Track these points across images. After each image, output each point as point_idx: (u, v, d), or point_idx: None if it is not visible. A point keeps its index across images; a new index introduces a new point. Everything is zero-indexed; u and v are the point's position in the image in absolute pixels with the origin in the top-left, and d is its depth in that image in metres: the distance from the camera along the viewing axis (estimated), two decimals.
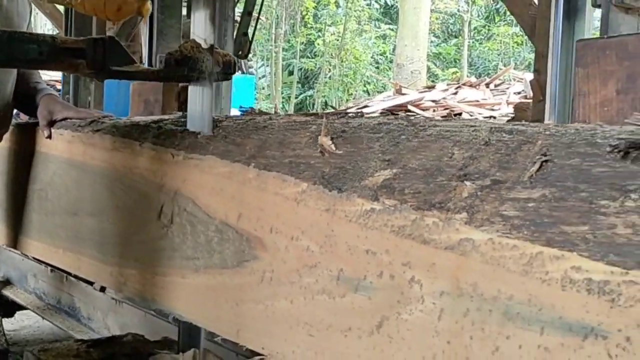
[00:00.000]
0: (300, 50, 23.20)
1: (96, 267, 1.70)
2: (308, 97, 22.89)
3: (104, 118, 1.90)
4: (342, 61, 22.86)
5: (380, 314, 1.04)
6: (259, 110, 1.53)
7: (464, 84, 11.78)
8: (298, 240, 1.19)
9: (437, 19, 23.76)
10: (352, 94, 22.25)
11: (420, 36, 17.46)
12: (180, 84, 2.69)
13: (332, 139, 1.22)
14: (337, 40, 23.07)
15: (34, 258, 2.72)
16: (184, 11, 3.15)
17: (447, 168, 1.03)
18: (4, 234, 2.26)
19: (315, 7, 22.98)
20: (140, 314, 2.36)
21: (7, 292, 3.17)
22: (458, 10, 24.04)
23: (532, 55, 3.68)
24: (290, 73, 23.27)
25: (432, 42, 22.72)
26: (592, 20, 1.77)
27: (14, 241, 2.21)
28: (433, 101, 10.72)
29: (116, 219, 1.63)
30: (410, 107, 10.19)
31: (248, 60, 15.70)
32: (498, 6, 22.58)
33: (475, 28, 24.33)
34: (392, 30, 22.66)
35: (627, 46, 1.30)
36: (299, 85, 23.30)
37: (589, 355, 0.78)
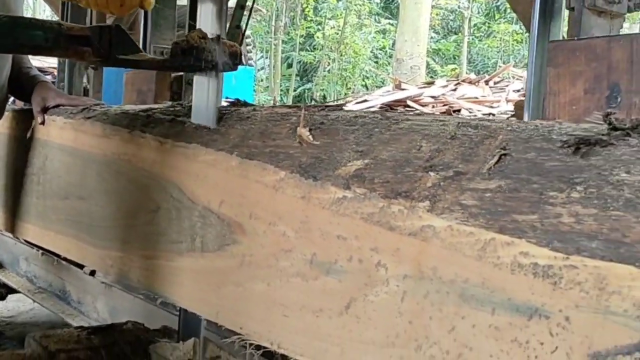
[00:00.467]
0: (299, 43, 23.23)
1: (85, 250, 1.77)
2: (306, 90, 22.94)
3: (95, 106, 1.94)
4: (341, 55, 22.89)
5: (349, 296, 1.10)
6: (243, 102, 1.58)
7: (463, 81, 11.80)
8: (275, 226, 1.25)
9: (437, 14, 23.78)
10: (350, 88, 22.30)
11: (420, 32, 17.49)
12: (173, 74, 2.75)
13: (310, 130, 1.28)
14: (337, 33, 23.10)
15: (25, 241, 2.78)
16: (179, 1, 3.21)
17: (415, 159, 1.09)
18: (3, 219, 2.31)
19: (316, 0, 23.00)
20: (129, 298, 2.42)
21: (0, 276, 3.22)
22: (458, 7, 24.07)
23: None
24: (289, 66, 23.30)
25: (431, 38, 22.75)
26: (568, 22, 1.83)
27: (12, 226, 2.26)
28: (432, 97, 10.74)
29: (105, 203, 1.69)
30: (409, 103, 10.22)
31: (248, 52, 15.72)
32: (498, 3, 22.61)
33: (475, 25, 24.37)
34: (392, 25, 22.67)
35: (595, 48, 1.36)
36: (298, 78, 23.33)
37: (534, 333, 0.85)
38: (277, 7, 22.84)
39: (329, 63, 23.13)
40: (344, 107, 1.38)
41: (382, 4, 24.85)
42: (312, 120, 1.34)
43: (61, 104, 2.07)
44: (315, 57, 23.11)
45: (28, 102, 2.20)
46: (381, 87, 16.75)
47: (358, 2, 23.04)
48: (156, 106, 1.71)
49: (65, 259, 2.61)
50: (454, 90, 11.04)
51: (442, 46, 24.28)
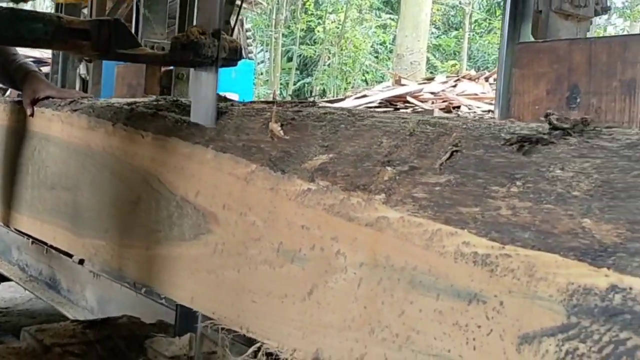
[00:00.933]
0: (300, 37, 23.22)
1: (70, 239, 1.83)
2: (306, 84, 22.95)
3: (83, 99, 1.99)
4: (341, 49, 22.89)
5: (311, 283, 1.16)
6: (224, 97, 1.64)
7: (463, 77, 11.81)
8: (246, 216, 1.32)
9: (438, 10, 23.78)
10: (350, 82, 22.31)
11: (421, 27, 17.50)
12: (163, 69, 2.81)
13: (281, 125, 1.35)
14: (338, 28, 23.09)
15: (17, 231, 2.84)
16: None
17: (375, 155, 1.16)
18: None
19: None
20: (117, 287, 2.48)
21: None
22: (459, 2, 24.05)
23: None
24: (289, 59, 23.30)
25: (432, 33, 22.75)
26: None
27: (4, 216, 2.30)
28: (432, 93, 10.75)
29: (88, 193, 1.76)
30: (409, 99, 10.25)
31: (248, 46, 15.73)
32: None
33: (476, 21, 24.36)
34: (393, 20, 22.67)
35: (557, 51, 1.42)
36: (298, 72, 23.33)
37: (472, 317, 0.91)
38: (278, 1, 22.83)
39: (329, 57, 23.12)
40: (316, 104, 1.44)
41: None
42: (285, 116, 1.40)
43: (50, 96, 2.11)
44: (315, 51, 23.11)
45: (13, 88, 2.28)
46: (381, 82, 16.78)
47: None
48: (140, 100, 1.77)
49: (54, 248, 2.67)
50: (454, 86, 11.07)
51: (442, 42, 24.28)
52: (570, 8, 1.64)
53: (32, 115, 2.10)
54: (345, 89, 21.09)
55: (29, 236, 2.78)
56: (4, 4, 1.83)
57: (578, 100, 1.38)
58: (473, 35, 24.17)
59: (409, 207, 1.02)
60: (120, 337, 2.02)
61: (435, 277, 0.97)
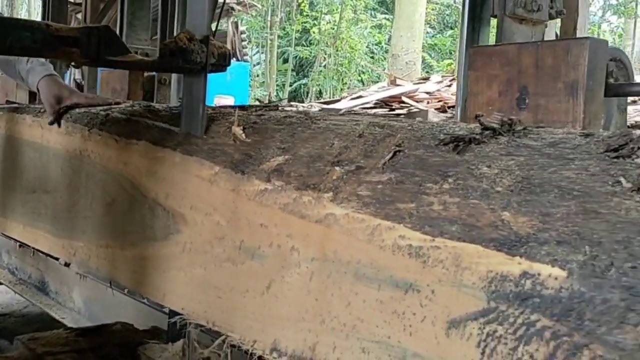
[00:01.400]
0: (295, 38, 23.24)
1: (50, 240, 1.90)
2: (302, 86, 22.98)
3: (115, 105, 1.88)
4: (337, 50, 22.91)
5: (269, 278, 1.24)
6: None
7: None
8: (211, 216, 1.39)
9: (433, 9, 23.81)
10: (346, 83, 22.34)
11: (416, 27, 17.53)
12: (146, 74, 2.87)
13: (244, 129, 1.42)
14: (333, 29, 23.12)
15: (4, 235, 2.90)
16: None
17: (326, 155, 1.23)
18: None
19: None
20: (102, 288, 2.55)
21: None
22: (454, 2, 24.09)
23: None
24: (285, 61, 23.32)
25: (427, 33, 22.78)
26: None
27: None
28: (427, 93, 10.78)
29: (67, 196, 1.83)
30: (404, 99, 10.28)
31: (243, 48, 15.76)
32: None
33: None
34: (388, 20, 22.70)
35: (508, 54, 1.49)
36: (294, 74, 23.36)
37: (408, 305, 0.98)
38: (273, 2, 22.86)
39: (324, 58, 23.15)
40: (279, 107, 1.51)
41: None
42: (249, 119, 1.47)
43: (79, 104, 1.92)
44: (311, 52, 23.14)
45: (32, 90, 2.06)
46: (377, 82, 16.82)
47: None
48: (116, 106, 1.84)
49: (40, 251, 2.73)
50: (449, 86, 11.10)
51: (438, 41, 24.31)
52: (524, 12, 1.71)
53: (59, 125, 1.90)
54: (341, 89, 21.13)
55: (16, 240, 2.84)
56: None
57: (527, 101, 1.45)
58: None
59: (353, 204, 1.09)
60: (114, 345, 2.02)
61: (377, 269, 1.04)
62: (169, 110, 1.70)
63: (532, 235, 0.86)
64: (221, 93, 10.50)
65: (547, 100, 1.41)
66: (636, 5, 23.43)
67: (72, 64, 3.70)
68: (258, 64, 23.59)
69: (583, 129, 1.35)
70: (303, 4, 23.36)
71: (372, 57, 23.79)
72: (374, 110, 9.63)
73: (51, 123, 1.91)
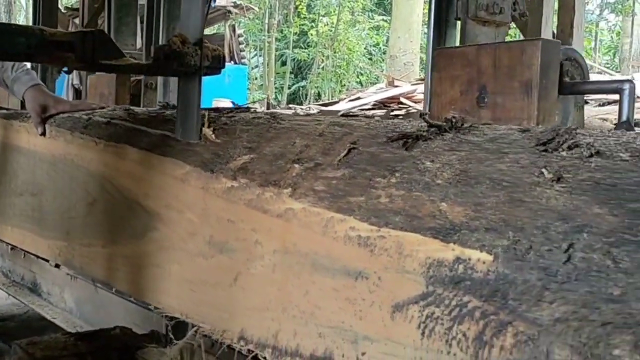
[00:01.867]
0: (293, 40, 23.30)
1: (36, 241, 1.97)
2: (301, 88, 23.05)
3: (100, 109, 1.93)
4: (335, 52, 22.98)
5: (236, 270, 1.30)
6: (173, 105, 1.78)
7: None
8: (184, 214, 1.46)
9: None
10: (345, 85, 22.41)
11: (413, 28, 17.58)
12: (133, 78, 2.95)
13: (214, 130, 1.49)
14: (331, 31, 23.18)
15: None
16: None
17: (288, 154, 1.30)
18: None
19: None
20: (92, 288, 2.61)
21: None
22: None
23: None
24: (283, 63, 23.38)
25: (425, 34, 22.81)
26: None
27: None
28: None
29: (51, 198, 1.90)
30: (402, 100, 10.33)
31: (241, 51, 15.82)
32: None
33: None
34: (386, 21, 22.76)
35: (468, 55, 1.56)
36: (292, 76, 23.42)
37: (359, 292, 1.05)
38: (270, 5, 22.92)
39: (323, 60, 23.21)
40: (250, 110, 1.58)
41: (375, 1, 24.95)
42: (219, 121, 1.54)
43: (64, 111, 1.97)
44: (309, 54, 23.20)
45: (19, 98, 2.10)
46: (376, 83, 16.87)
47: None
48: (98, 110, 1.91)
49: (27, 251, 2.79)
50: None
51: None
52: (486, 15, 1.77)
53: (44, 134, 1.95)
54: (339, 91, 21.19)
55: (7, 242, 2.90)
56: None
57: (486, 99, 1.52)
58: None
59: (310, 199, 1.16)
60: (112, 349, 1.99)
61: (331, 259, 1.10)
62: (147, 114, 1.77)
63: (465, 224, 0.93)
64: (219, 96, 10.54)
65: (504, 98, 1.48)
66: (634, 3, 23.46)
67: (64, 69, 3.78)
68: (256, 66, 23.65)
69: (537, 125, 1.42)
70: (300, 6, 23.43)
71: (370, 59, 23.86)
72: (372, 112, 9.69)
73: (42, 134, 1.95)
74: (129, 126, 1.73)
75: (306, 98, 21.94)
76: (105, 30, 3.07)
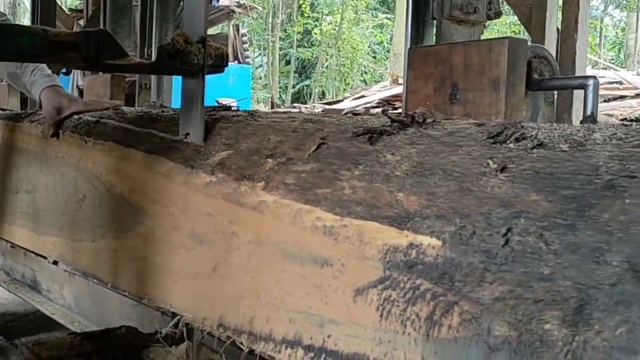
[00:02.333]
0: (297, 39, 23.34)
1: (31, 237, 2.04)
2: (305, 87, 23.09)
3: (115, 108, 1.93)
4: (339, 50, 23.00)
5: (215, 261, 1.37)
6: (160, 104, 1.84)
7: None
8: (168, 208, 1.52)
9: None
10: (349, 83, 22.44)
11: None
12: (127, 79, 3.01)
13: None
14: (334, 29, 23.21)
15: None
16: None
17: (263, 149, 1.36)
18: None
19: None
20: (90, 284, 2.67)
21: None
22: None
23: None
24: (287, 63, 23.42)
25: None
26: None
27: None
28: None
29: (44, 195, 1.96)
30: None
31: (245, 50, 15.88)
32: None
33: None
34: (390, 19, 22.78)
35: (440, 54, 1.61)
36: (296, 75, 23.46)
37: (324, 278, 1.11)
38: (274, 4, 22.96)
39: (327, 59, 23.24)
40: (230, 108, 1.64)
41: None
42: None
43: (78, 112, 1.95)
44: (313, 53, 23.23)
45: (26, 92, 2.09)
46: (380, 82, 16.91)
47: None
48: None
49: (31, 250, 2.86)
50: None
51: None
52: (461, 14, 1.83)
53: (56, 137, 1.93)
54: (344, 90, 21.22)
55: (7, 240, 2.96)
56: None
57: (458, 96, 1.57)
58: None
59: (281, 191, 1.23)
60: (118, 348, 1.98)
61: (299, 247, 1.17)
62: (134, 113, 1.83)
63: (418, 212, 0.99)
64: (223, 96, 10.60)
65: (474, 95, 1.54)
66: None
67: (62, 71, 3.85)
68: (260, 66, 23.69)
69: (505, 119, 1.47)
70: (304, 5, 23.46)
71: (374, 57, 23.89)
72: (376, 110, 9.75)
73: (52, 135, 1.94)
74: (116, 125, 1.80)
75: (310, 97, 21.99)
76: None
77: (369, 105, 10.59)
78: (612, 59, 23.04)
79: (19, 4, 17.85)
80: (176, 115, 1.71)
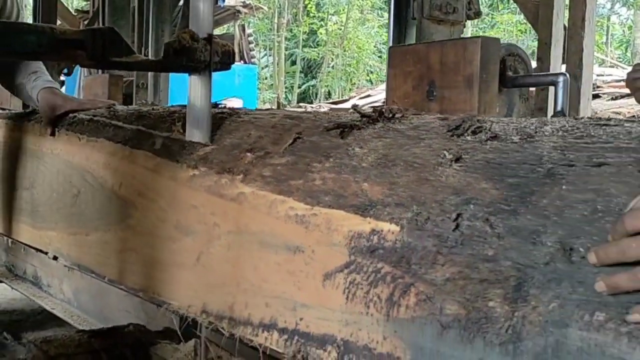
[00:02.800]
0: (303, 39, 23.40)
1: (29, 232, 2.11)
2: (311, 87, 23.15)
3: (108, 107, 1.99)
4: (345, 50, 23.06)
5: (198, 251, 1.43)
6: (151, 103, 1.91)
7: None
8: (155, 201, 1.58)
9: None
10: (355, 83, 22.50)
11: None
12: (125, 79, 3.09)
13: (183, 124, 1.61)
14: (340, 29, 23.27)
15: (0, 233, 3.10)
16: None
17: (244, 144, 1.42)
18: None
19: None
20: (88, 279, 2.74)
21: None
22: None
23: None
24: (293, 63, 23.49)
25: None
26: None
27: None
28: None
29: (42, 191, 2.04)
30: None
31: (251, 50, 15.95)
32: None
33: None
34: None
35: (419, 53, 1.67)
36: (302, 75, 23.53)
37: (297, 264, 1.17)
38: (280, 4, 23.03)
39: (332, 59, 23.29)
40: (217, 105, 1.71)
41: None
42: None
43: (72, 110, 2.00)
44: (318, 53, 23.29)
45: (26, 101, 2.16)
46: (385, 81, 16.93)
47: None
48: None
49: (31, 247, 2.93)
50: None
51: None
52: (440, 15, 1.88)
53: (53, 135, 1.99)
54: (350, 89, 21.28)
55: (8, 237, 3.04)
56: None
57: (435, 93, 1.63)
58: (476, 30, 24.26)
59: (258, 183, 1.29)
60: (126, 346, 2.03)
61: (275, 236, 1.23)
62: (126, 111, 1.90)
63: (381, 200, 1.05)
64: (229, 95, 10.67)
65: (450, 92, 1.60)
66: None
67: (64, 71, 3.94)
68: (266, 66, 23.77)
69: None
70: (309, 5, 23.52)
71: (380, 57, 23.91)
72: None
73: (51, 134, 1.99)
74: (108, 122, 1.86)
75: (316, 97, 22.06)
76: None
77: (375, 104, 10.64)
78: (619, 57, 22.99)
79: (25, 6, 17.97)
80: (165, 112, 1.77)
